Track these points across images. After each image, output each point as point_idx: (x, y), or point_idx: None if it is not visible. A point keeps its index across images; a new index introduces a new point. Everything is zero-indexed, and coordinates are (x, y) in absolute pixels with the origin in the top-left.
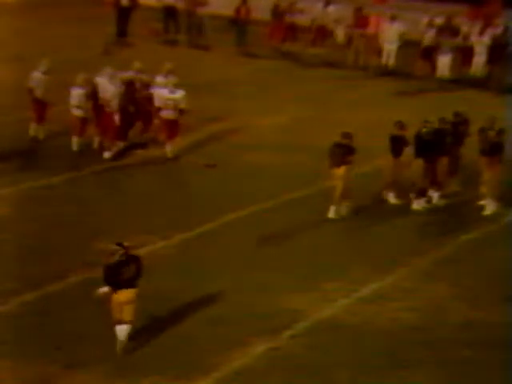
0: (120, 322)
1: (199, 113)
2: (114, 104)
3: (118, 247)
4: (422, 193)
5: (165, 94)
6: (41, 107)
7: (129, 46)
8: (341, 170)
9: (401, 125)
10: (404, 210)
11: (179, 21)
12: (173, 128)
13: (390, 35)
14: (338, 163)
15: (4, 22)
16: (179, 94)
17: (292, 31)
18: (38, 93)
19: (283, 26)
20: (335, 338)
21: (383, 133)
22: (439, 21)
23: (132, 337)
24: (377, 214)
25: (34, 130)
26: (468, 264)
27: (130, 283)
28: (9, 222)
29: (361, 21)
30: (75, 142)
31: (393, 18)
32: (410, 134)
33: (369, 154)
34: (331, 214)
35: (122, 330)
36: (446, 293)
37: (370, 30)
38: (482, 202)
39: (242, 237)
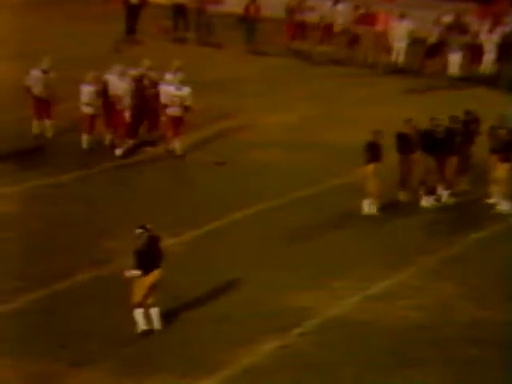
0: (141, 306)
1: (208, 110)
2: (125, 101)
3: (141, 230)
4: (431, 191)
5: (171, 90)
6: (41, 105)
7: (138, 43)
8: (371, 167)
9: (409, 123)
10: (413, 207)
11: (188, 18)
12: (179, 125)
13: (399, 33)
14: (374, 160)
15: (13, 19)
16: (185, 90)
17: (302, 29)
18: (36, 91)
19: (293, 23)
20: (343, 336)
21: (392, 131)
22: (448, 19)
23: (137, 334)
24: (385, 211)
25: (36, 127)
26: (476, 263)
27: (157, 264)
28: (16, 220)
29: (367, 18)
30: (85, 140)
31: (402, 16)
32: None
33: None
34: (369, 208)
35: (141, 315)
36: (453, 291)
37: (379, 27)
38: (491, 201)
39: (249, 235)
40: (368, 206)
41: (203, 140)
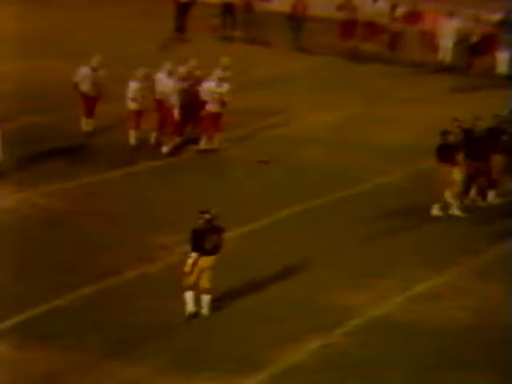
0: (191, 288)
1: (253, 109)
2: (173, 99)
3: (204, 213)
4: (479, 191)
5: (212, 87)
6: (89, 102)
7: (187, 41)
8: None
9: (455, 123)
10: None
11: (236, 17)
12: (218, 121)
13: (447, 31)
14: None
15: (68, 17)
16: (225, 87)
17: (349, 28)
18: (84, 87)
19: (342, 22)
20: (388, 336)
21: (439, 130)
22: (497, 16)
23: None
24: (428, 212)
25: (85, 124)
26: None
27: (211, 251)
28: (66, 216)
29: (412, 17)
30: (132, 135)
31: (450, 14)
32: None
33: (423, 152)
34: (455, 211)
35: (191, 298)
36: (499, 292)
37: (427, 26)
38: None
39: (294, 233)
40: (437, 209)
41: (248, 138)
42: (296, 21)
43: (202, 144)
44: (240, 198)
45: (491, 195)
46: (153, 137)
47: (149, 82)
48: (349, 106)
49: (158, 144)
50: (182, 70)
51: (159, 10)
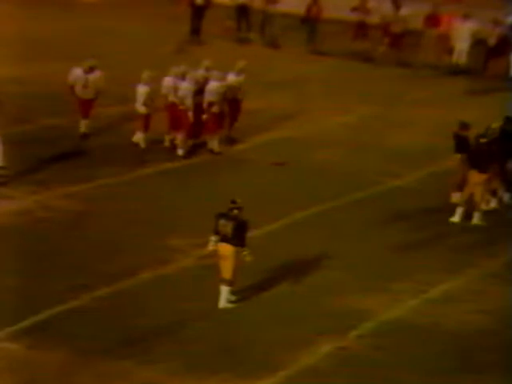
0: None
1: (269, 111)
2: (188, 102)
3: (232, 202)
4: (492, 192)
5: (216, 87)
6: (82, 103)
7: (202, 44)
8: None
9: (464, 125)
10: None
11: (251, 19)
12: (222, 121)
13: (462, 34)
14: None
15: (85, 21)
16: (242, 90)
17: (362, 30)
18: (77, 89)
19: (354, 24)
20: (403, 339)
21: (453, 132)
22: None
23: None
24: (446, 213)
25: (82, 126)
26: None
27: (227, 239)
28: (82, 218)
29: (431, 19)
30: (141, 139)
31: (466, 17)
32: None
33: (437, 154)
34: (476, 220)
35: (222, 291)
36: None
37: (442, 28)
38: None
39: (309, 235)
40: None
41: (263, 140)
42: (310, 23)
43: (215, 145)
44: (255, 200)
45: (506, 197)
46: (167, 139)
47: (155, 84)
48: (363, 108)
49: (173, 146)
50: (197, 72)
51: (174, 12)
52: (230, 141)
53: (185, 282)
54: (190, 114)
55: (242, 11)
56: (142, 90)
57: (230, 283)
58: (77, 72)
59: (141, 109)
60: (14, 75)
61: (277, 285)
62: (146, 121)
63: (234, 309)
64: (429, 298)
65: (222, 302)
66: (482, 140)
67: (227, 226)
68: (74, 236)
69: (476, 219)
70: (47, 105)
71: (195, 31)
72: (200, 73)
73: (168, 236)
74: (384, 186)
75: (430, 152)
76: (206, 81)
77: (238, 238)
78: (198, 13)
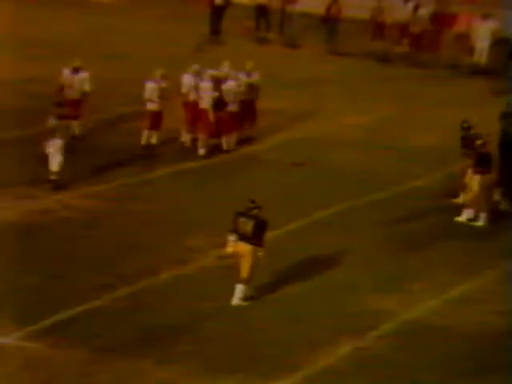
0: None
1: (287, 111)
2: (207, 101)
3: (251, 201)
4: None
5: (233, 87)
6: (71, 104)
7: (222, 43)
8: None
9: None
10: (493, 211)
11: (270, 19)
12: (238, 121)
13: (481, 33)
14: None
15: (103, 20)
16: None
17: (381, 30)
18: (65, 90)
19: (372, 24)
20: (422, 340)
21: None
22: None
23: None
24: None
25: (75, 128)
26: None
27: (246, 238)
28: (102, 218)
29: (445, 19)
30: (145, 136)
31: (485, 16)
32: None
33: (456, 155)
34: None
35: (237, 288)
36: None
37: (462, 28)
38: None
39: (327, 235)
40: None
41: (281, 140)
42: (330, 23)
43: (229, 144)
44: (274, 200)
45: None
46: (188, 139)
47: (166, 82)
48: (382, 108)
49: (194, 146)
50: (216, 72)
51: (191, 12)
52: (248, 140)
53: (203, 281)
54: (211, 114)
55: (261, 11)
56: (149, 87)
57: (245, 281)
58: (64, 72)
59: (148, 106)
60: (30, 75)
61: (295, 284)
62: (154, 118)
63: (252, 308)
64: (447, 298)
65: (236, 300)
66: (479, 142)
67: (247, 225)
68: (94, 236)
69: (481, 220)
70: None
71: (215, 31)
72: (219, 72)
73: (187, 236)
74: (402, 186)
75: (450, 152)
76: (224, 80)
77: (257, 237)
78: (218, 13)
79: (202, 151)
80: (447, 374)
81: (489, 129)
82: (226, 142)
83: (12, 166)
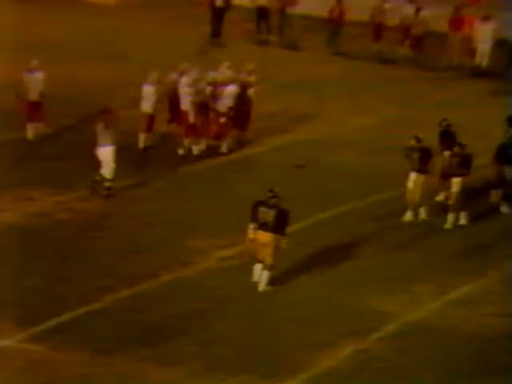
0: (260, 261)
1: (288, 112)
2: (186, 103)
3: (270, 191)
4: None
5: (234, 91)
6: (29, 106)
7: (222, 46)
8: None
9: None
10: (493, 212)
11: (271, 21)
12: (234, 123)
13: (483, 35)
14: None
15: (105, 22)
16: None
17: (380, 31)
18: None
19: (374, 26)
20: (424, 342)
21: (475, 134)
22: None
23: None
24: (468, 216)
25: (30, 130)
26: None
27: (266, 227)
28: (103, 220)
29: (456, 23)
30: (141, 139)
31: (486, 18)
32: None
33: None
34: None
35: (258, 270)
36: None
37: (465, 30)
38: None
39: (330, 237)
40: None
41: (283, 142)
42: (333, 25)
43: (226, 146)
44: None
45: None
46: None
47: (161, 85)
48: (384, 110)
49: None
50: (224, 74)
51: (192, 14)
52: (243, 143)
53: (205, 283)
54: (191, 116)
55: (262, 13)
56: (145, 90)
57: (270, 268)
58: (23, 73)
59: (143, 108)
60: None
61: (297, 286)
62: (149, 121)
63: (255, 310)
64: (450, 300)
65: (262, 286)
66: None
67: (268, 214)
68: (95, 238)
69: (464, 219)
70: (67, 107)
71: (215, 33)
72: (219, 75)
73: (189, 237)
74: (404, 188)
75: None
76: (221, 84)
77: (279, 226)
78: (218, 15)
79: (180, 151)
80: (449, 376)
81: (490, 130)
82: (226, 144)
83: (10, 168)
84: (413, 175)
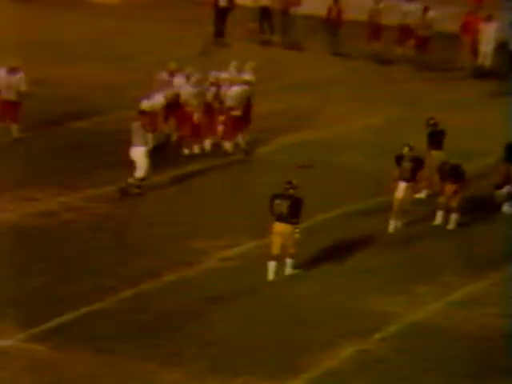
0: (274, 259)
1: (290, 113)
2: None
3: (287, 183)
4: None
5: (239, 91)
6: (6, 106)
7: (226, 46)
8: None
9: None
10: (496, 212)
11: (274, 21)
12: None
13: (486, 36)
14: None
15: (108, 22)
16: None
17: (377, 32)
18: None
19: (371, 26)
20: (426, 342)
21: (477, 134)
22: None
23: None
24: (469, 216)
25: (14, 131)
26: None
27: (282, 218)
28: (106, 220)
29: (469, 24)
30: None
31: (489, 19)
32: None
33: (462, 157)
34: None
35: (272, 266)
36: None
37: (473, 32)
38: None
39: (332, 237)
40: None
41: (287, 142)
42: (331, 25)
43: (230, 146)
44: None
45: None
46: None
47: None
48: (387, 110)
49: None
50: (231, 74)
51: (195, 14)
52: (253, 143)
53: (207, 283)
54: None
55: (265, 13)
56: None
57: (292, 256)
58: (0, 73)
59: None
60: (38, 78)
61: (298, 286)
62: (152, 121)
63: (257, 311)
64: (452, 300)
65: (288, 271)
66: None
67: (282, 205)
68: (99, 238)
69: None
70: (70, 107)
71: (219, 33)
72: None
73: (191, 238)
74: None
75: (455, 154)
76: (228, 85)
77: (293, 214)
78: (222, 15)
79: (185, 151)
80: (450, 376)
81: (492, 130)
82: (230, 145)
83: (13, 168)
84: (402, 185)
